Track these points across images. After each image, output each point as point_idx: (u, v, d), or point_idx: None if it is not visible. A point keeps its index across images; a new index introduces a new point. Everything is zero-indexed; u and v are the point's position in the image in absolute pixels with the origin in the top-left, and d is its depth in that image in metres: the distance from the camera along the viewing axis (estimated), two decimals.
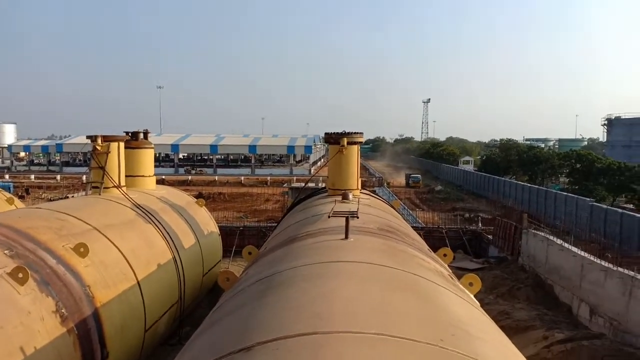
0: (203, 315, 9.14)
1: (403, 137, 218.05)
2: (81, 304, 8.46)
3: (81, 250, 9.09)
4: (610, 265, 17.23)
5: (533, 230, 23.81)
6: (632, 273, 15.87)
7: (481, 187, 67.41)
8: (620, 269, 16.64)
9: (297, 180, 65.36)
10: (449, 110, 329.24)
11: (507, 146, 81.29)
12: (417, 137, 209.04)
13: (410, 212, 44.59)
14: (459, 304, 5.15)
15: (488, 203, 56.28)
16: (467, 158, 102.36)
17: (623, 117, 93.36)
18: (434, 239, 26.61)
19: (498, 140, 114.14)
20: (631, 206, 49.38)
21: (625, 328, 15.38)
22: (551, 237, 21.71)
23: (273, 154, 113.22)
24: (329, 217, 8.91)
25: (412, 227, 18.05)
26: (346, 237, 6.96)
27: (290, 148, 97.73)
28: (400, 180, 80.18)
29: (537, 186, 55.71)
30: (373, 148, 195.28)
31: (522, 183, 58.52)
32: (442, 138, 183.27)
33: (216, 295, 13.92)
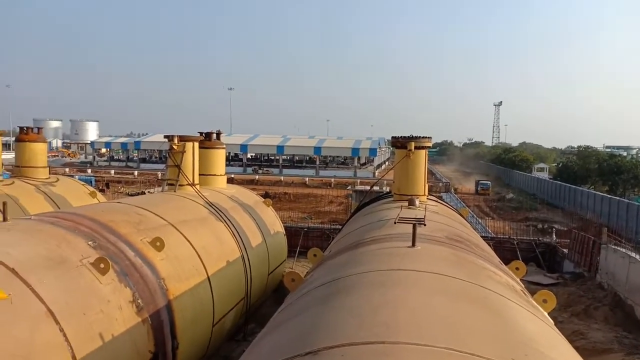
0: (268, 313, 9.35)
1: (472, 141, 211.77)
2: (156, 296, 8.90)
3: (157, 244, 9.57)
4: None
5: (613, 246, 22.32)
6: None
7: (556, 197, 64.30)
8: None
9: (361, 183, 65.25)
10: (522, 114, 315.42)
11: (585, 154, 76.81)
12: (488, 142, 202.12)
13: (479, 220, 43.15)
14: (532, 321, 4.94)
15: (564, 214, 53.51)
16: (541, 165, 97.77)
17: None
18: (504, 250, 25.64)
19: (575, 147, 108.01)
20: None
21: None
22: (633, 254, 20.26)
23: (337, 156, 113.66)
24: (395, 223, 8.80)
25: (481, 236, 17.41)
26: (413, 245, 6.84)
27: (355, 150, 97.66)
28: (469, 186, 77.87)
29: (618, 198, 52.29)
30: (440, 152, 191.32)
31: (602, 194, 55.11)
32: (515, 143, 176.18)
33: (281, 294, 14.18)
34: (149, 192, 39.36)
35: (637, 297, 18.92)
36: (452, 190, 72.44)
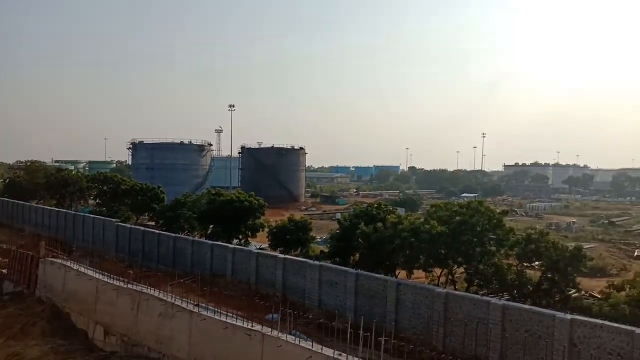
0: None
1: None
2: None
3: None
4: (121, 284, 18.48)
5: (50, 259, 22.86)
6: (139, 288, 17.48)
7: (4, 215, 60.77)
8: (130, 286, 18.10)
9: None
10: None
11: (33, 168, 75.83)
12: None
13: None
14: None
15: (11, 232, 51.06)
16: None
17: (145, 141, 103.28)
18: None
19: (24, 161, 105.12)
20: (152, 223, 54.88)
21: (135, 341, 16.76)
22: (68, 264, 21.38)
23: None
24: None
25: None
26: None
27: None
28: None
29: (65, 210, 54.31)
30: None
31: (50, 208, 55.84)
32: None
33: None
34: None
35: (73, 304, 20.15)
36: None
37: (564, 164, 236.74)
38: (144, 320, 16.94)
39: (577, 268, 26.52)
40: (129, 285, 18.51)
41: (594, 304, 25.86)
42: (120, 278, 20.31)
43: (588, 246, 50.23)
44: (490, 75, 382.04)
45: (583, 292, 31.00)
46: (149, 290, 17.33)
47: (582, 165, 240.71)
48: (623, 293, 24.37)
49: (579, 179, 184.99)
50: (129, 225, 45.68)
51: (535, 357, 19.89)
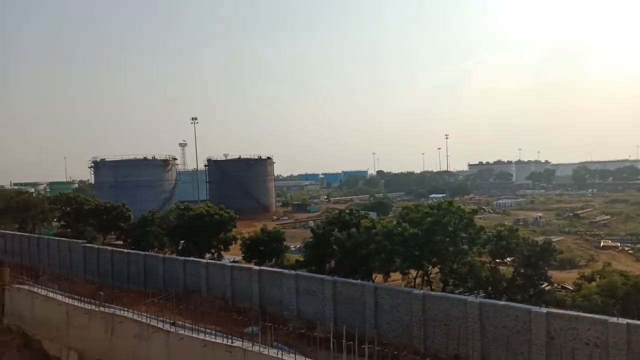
0: None
1: None
2: None
3: None
4: (93, 307, 17.81)
5: (17, 285, 21.89)
6: (112, 310, 16.87)
7: None
8: (102, 309, 17.45)
9: None
10: None
11: None
12: None
13: None
14: None
15: None
16: None
17: (108, 159, 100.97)
18: None
19: None
20: (120, 242, 53.52)
21: None
22: (36, 289, 20.51)
23: None
24: None
25: None
26: None
27: None
28: None
29: (28, 234, 52.44)
30: None
31: (12, 232, 53.79)
32: None
33: None
34: None
35: (43, 331, 19.31)
36: None
37: (526, 160, 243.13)
38: (119, 343, 16.37)
39: (547, 261, 27.13)
40: (101, 308, 17.85)
41: (567, 296, 26.45)
42: (92, 301, 19.60)
43: (556, 239, 51.59)
44: (450, 76, 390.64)
45: (555, 285, 31.72)
46: (122, 312, 16.76)
47: (543, 160, 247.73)
48: (594, 283, 24.98)
49: (542, 174, 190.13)
50: (96, 246, 44.44)
51: (515, 352, 20.16)
